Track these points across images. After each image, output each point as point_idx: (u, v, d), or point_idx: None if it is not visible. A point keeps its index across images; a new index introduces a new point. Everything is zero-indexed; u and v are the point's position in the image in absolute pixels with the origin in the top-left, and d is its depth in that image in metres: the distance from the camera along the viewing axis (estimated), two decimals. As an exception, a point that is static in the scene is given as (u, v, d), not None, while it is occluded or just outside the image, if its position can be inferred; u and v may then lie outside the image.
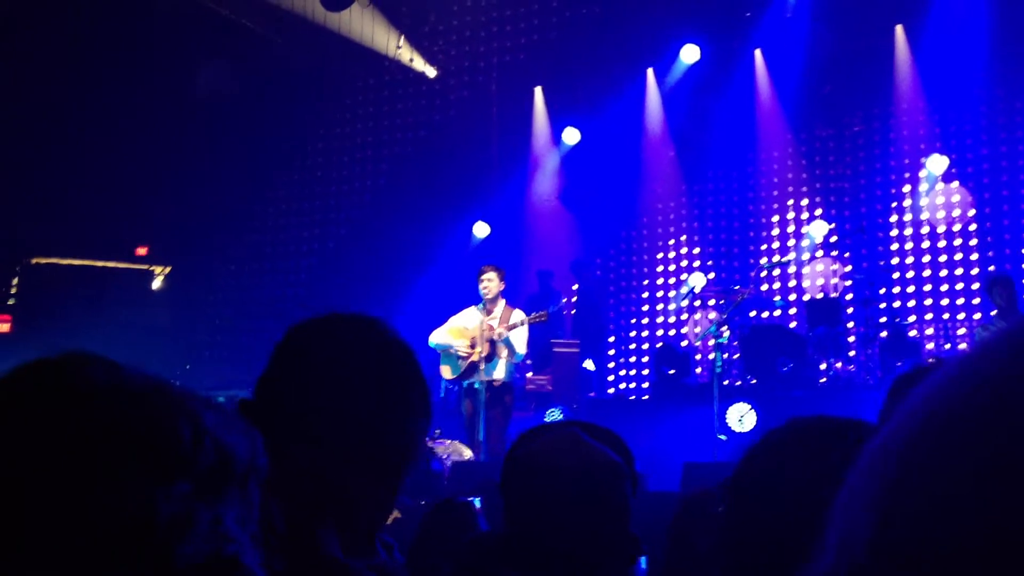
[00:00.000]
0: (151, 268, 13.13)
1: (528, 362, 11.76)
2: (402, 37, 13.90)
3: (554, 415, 10.11)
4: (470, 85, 14.03)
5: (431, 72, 14.22)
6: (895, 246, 12.10)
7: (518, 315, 8.84)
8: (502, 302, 8.91)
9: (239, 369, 11.73)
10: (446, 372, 8.91)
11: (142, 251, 13.07)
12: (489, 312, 8.84)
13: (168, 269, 13.24)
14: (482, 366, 8.71)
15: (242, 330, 13.26)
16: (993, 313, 8.95)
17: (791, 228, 12.81)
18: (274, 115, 13.25)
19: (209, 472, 0.69)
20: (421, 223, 13.63)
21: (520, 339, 8.78)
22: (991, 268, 10.96)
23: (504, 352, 8.74)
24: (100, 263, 12.76)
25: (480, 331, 8.73)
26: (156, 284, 12.93)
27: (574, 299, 12.85)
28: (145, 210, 12.67)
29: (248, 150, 13.23)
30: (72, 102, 11.77)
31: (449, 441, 8.54)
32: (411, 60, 14.02)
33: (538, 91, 14.00)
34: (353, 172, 14.06)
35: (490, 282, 8.84)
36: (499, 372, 8.80)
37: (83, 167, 12.25)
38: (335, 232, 13.89)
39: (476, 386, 8.73)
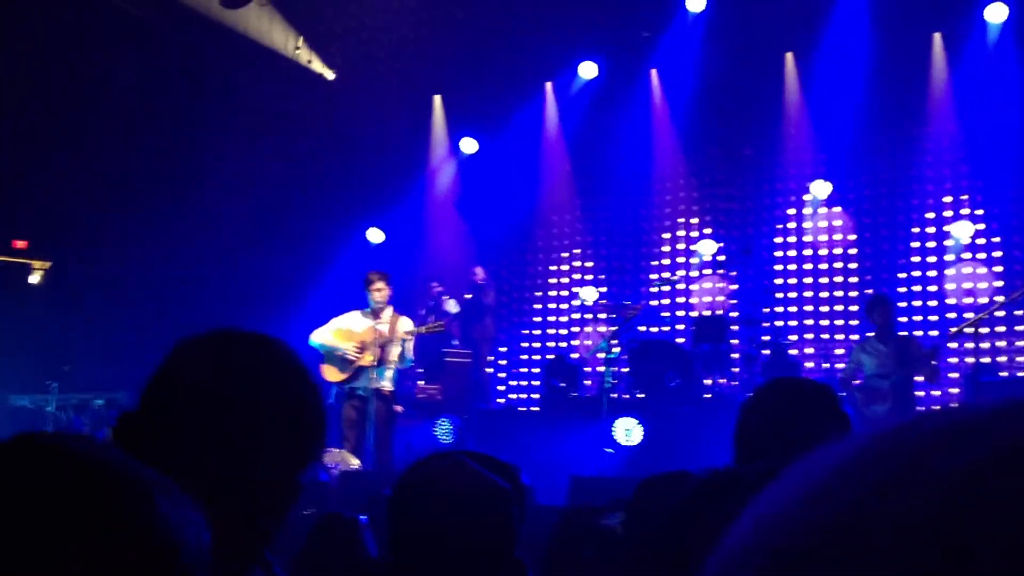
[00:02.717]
0: (30, 262, 12.62)
1: (420, 371, 11.73)
2: (300, 38, 13.72)
3: (444, 425, 10.09)
4: (369, 90, 13.93)
5: (329, 75, 14.07)
6: (779, 267, 12.47)
7: (406, 323, 8.83)
8: (389, 308, 8.90)
9: (118, 371, 11.37)
10: (331, 374, 8.81)
11: (20, 244, 12.56)
12: (377, 317, 8.80)
13: (48, 264, 12.75)
14: (372, 373, 8.65)
15: (123, 331, 12.86)
16: (870, 334, 9.31)
17: (681, 245, 13.07)
18: (166, 111, 12.92)
19: (161, 562, 0.67)
20: (315, 226, 13.47)
21: (410, 346, 8.81)
22: (868, 291, 11.38)
23: (395, 358, 8.72)
24: (-26, 256, 12.23)
25: (372, 336, 8.69)
26: (34, 279, 12.45)
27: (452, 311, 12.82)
28: (26, 203, 12.21)
29: (138, 146, 12.87)
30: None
31: (336, 450, 8.44)
32: (309, 61, 13.85)
33: (437, 99, 14.00)
34: (246, 171, 13.80)
35: (380, 290, 8.82)
36: (387, 380, 8.78)
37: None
38: (224, 234, 13.60)
39: (361, 392, 8.66)
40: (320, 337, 8.85)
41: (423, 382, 11.42)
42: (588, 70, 13.13)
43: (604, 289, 13.03)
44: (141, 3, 12.31)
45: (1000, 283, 11.10)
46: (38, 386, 10.31)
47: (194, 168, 13.89)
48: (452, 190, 13.98)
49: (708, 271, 12.63)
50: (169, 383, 1.52)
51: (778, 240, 12.57)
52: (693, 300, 12.70)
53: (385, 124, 13.89)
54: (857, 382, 8.88)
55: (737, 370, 10.89)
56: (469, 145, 13.72)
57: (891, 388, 8.25)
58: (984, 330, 10.61)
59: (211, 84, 13.26)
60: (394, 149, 14.00)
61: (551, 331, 13.62)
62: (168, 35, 12.78)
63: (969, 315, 9.78)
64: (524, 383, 13.47)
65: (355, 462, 8.31)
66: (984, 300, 10.88)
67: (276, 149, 13.72)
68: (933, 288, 11.65)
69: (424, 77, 13.76)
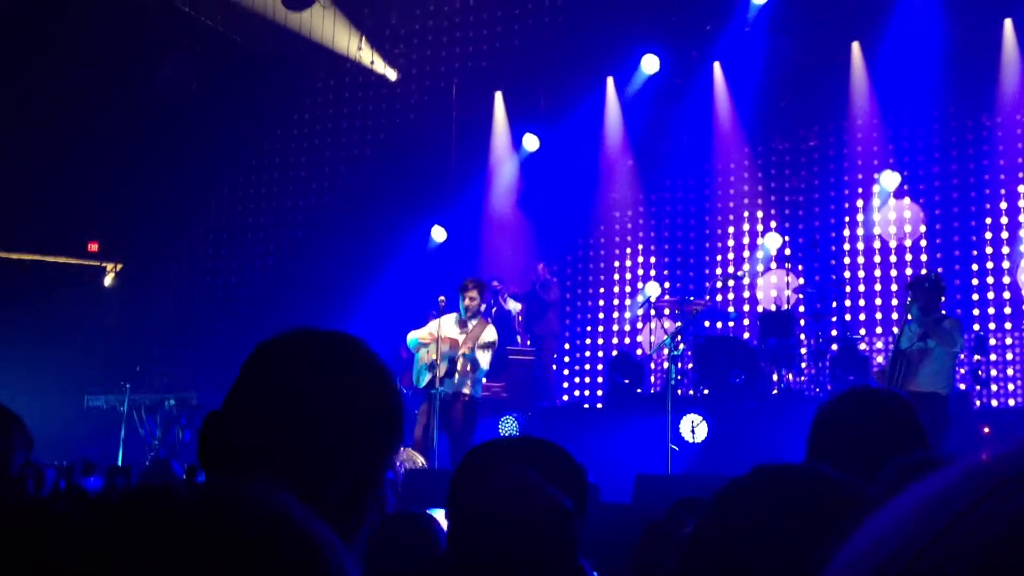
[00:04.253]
0: (102, 264, 12.94)
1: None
2: (363, 38, 13.84)
3: (509, 423, 10.11)
4: (430, 89, 14.00)
5: (392, 75, 14.18)
6: (847, 260, 12.27)
7: (489, 333, 8.89)
8: (479, 317, 8.98)
9: (189, 372, 11.60)
10: (416, 376, 8.97)
11: (94, 247, 12.89)
12: (463, 326, 8.91)
13: (120, 266, 13.06)
14: (453, 377, 8.78)
15: (193, 332, 13.11)
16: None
17: (746, 240, 12.93)
18: (233, 114, 13.13)
19: None
20: (378, 226, 13.58)
21: (485, 357, 8.84)
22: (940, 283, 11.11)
23: (467, 368, 8.80)
24: (50, 258, 12.56)
25: (450, 342, 8.82)
26: (107, 281, 12.75)
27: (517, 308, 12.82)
28: (98, 205, 12.50)
29: (205, 148, 13.09)
30: (26, 94, 11.58)
31: (402, 448, 8.51)
32: (372, 62, 13.97)
33: (498, 96, 14.01)
34: (311, 173, 13.98)
35: (472, 298, 8.91)
36: (467, 385, 8.86)
37: (35, 160, 12.05)
38: (290, 234, 13.79)
39: (437, 393, 8.76)
40: (414, 335, 9.02)
41: (486, 380, 11.47)
42: (650, 64, 13.02)
43: (668, 285, 12.94)
44: (207, 10, 12.52)
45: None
46: (112, 386, 10.55)
47: (263, 172, 14.10)
48: (515, 187, 13.98)
49: (774, 265, 12.47)
50: (254, 384, 1.54)
51: (846, 233, 12.36)
52: (759, 295, 12.55)
53: (447, 122, 13.94)
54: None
55: (805, 365, 10.75)
56: (531, 142, 13.72)
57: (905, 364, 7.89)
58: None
59: (277, 86, 13.44)
60: (456, 147, 14.05)
61: (615, 327, 13.57)
62: (233, 39, 12.98)
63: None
64: (588, 380, 13.44)
65: (420, 460, 8.37)
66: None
67: (341, 149, 13.87)
68: (1007, 280, 11.38)
69: (485, 75, 13.78)
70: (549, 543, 1.87)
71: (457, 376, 8.77)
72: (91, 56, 11.72)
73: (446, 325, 8.93)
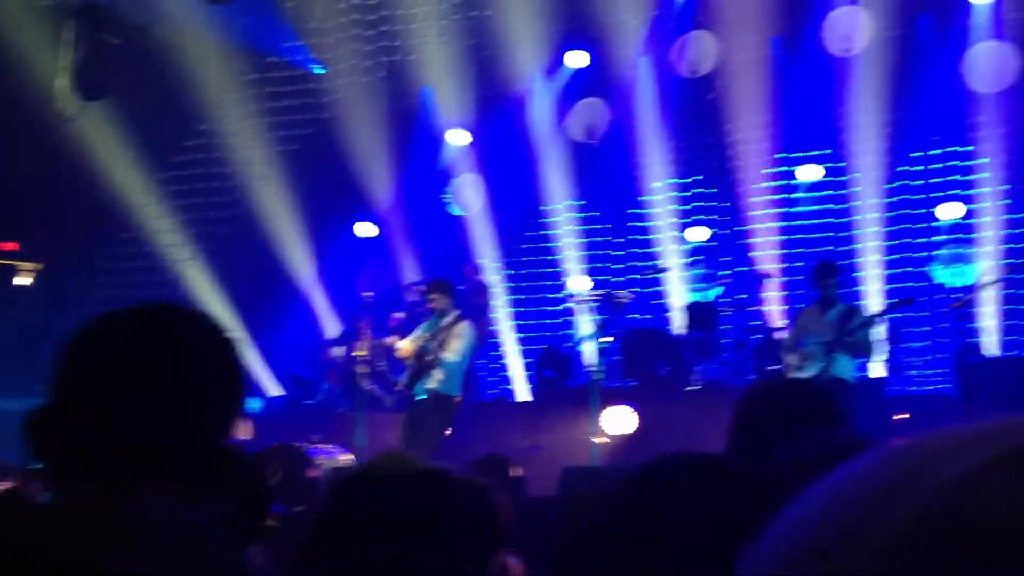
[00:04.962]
0: (20, 264, 12.62)
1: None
2: (289, 33, 13.68)
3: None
4: (358, 83, 13.90)
5: (317, 68, 14.04)
6: (769, 252, 12.47)
7: (460, 330, 8.97)
8: (453, 314, 9.07)
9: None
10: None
11: (10, 246, 12.57)
12: (434, 327, 9.04)
13: (40, 267, 12.75)
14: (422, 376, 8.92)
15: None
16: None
17: (671, 233, 13.06)
18: (153, 111, 12.90)
19: None
20: (305, 223, 13.47)
21: (454, 345, 8.91)
22: (857, 274, 11.37)
23: (430, 358, 8.93)
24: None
25: (419, 342, 9.00)
26: (24, 281, 12.44)
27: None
28: (17, 206, 12.21)
29: (127, 147, 12.85)
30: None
31: (329, 445, 8.44)
32: (297, 55, 13.82)
33: (428, 91, 13.96)
34: (235, 169, 13.79)
35: (433, 300, 9.09)
36: (435, 380, 8.93)
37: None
38: (216, 232, 13.60)
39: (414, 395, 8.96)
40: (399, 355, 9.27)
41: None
42: (578, 59, 13.14)
43: (595, 278, 13.04)
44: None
45: (991, 263, 11.12)
46: (27, 389, 10.29)
47: (185, 169, 13.88)
48: (443, 183, 13.95)
49: (700, 258, 12.63)
50: (78, 368, 1.49)
51: (768, 225, 12.57)
52: (685, 288, 12.70)
53: (375, 116, 13.86)
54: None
55: (728, 356, 10.91)
56: (460, 136, 13.71)
57: (825, 354, 8.14)
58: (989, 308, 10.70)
59: (198, 82, 13.23)
60: (385, 143, 13.98)
61: (543, 321, 13.64)
62: (152, 33, 12.77)
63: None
64: (515, 374, 13.45)
65: (345, 458, 8.30)
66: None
67: (265, 145, 13.71)
68: (925, 269, 11.68)
69: (413, 69, 13.73)
70: (464, 543, 1.84)
71: (424, 376, 8.89)
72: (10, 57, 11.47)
73: (424, 326, 9.12)
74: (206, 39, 12.99)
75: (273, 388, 12.93)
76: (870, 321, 8.39)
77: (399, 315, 12.61)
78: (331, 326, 13.31)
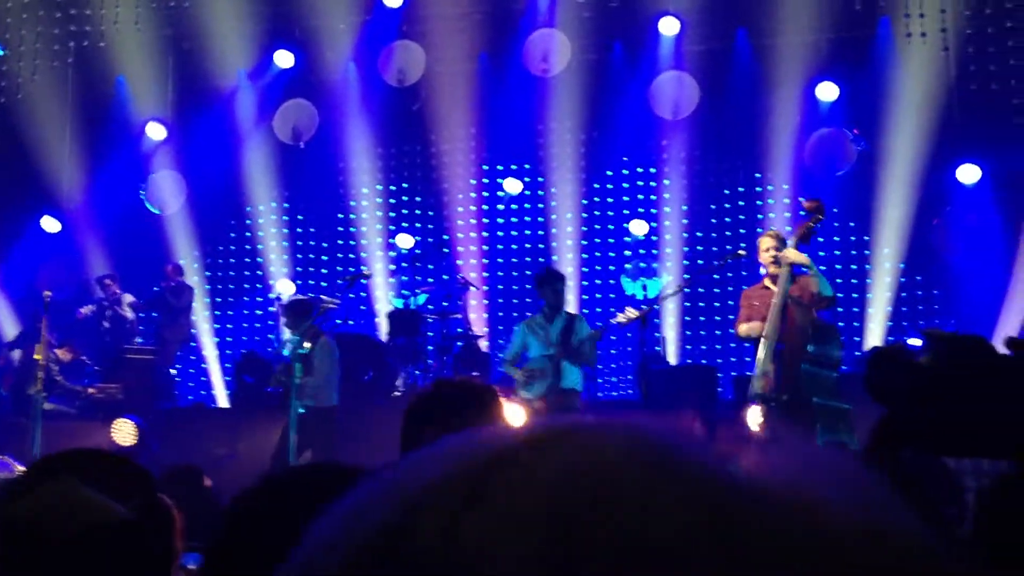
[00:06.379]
0: None
1: (97, 368, 11.10)
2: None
3: (124, 427, 9.53)
4: (44, 68, 12.95)
5: (-3, 52, 12.96)
6: (472, 261, 12.81)
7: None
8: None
9: None
10: None
11: None
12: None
13: None
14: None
15: None
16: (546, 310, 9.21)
17: (379, 240, 13.10)
18: None
19: None
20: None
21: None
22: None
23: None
24: None
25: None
26: None
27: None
28: None
29: None
30: None
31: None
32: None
33: (122, 80, 13.21)
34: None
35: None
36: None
37: None
38: None
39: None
40: None
41: (101, 382, 10.82)
42: (284, 59, 12.92)
43: (299, 283, 12.85)
44: None
45: (671, 277, 11.97)
46: None
47: None
48: (141, 179, 13.24)
49: (405, 264, 12.75)
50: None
51: (472, 235, 12.90)
52: (390, 293, 12.76)
53: (63, 106, 12.99)
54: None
55: (431, 362, 11.07)
56: (157, 131, 13.08)
57: (553, 368, 8.07)
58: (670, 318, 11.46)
59: None
60: (74, 133, 13.11)
61: (244, 325, 13.28)
62: None
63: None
64: (214, 380, 12.99)
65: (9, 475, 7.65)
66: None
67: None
68: (613, 281, 12.41)
69: (106, 58, 12.97)
70: (111, 561, 1.73)
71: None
72: None
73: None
74: None
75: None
76: (599, 333, 8.42)
77: (86, 309, 11.85)
78: (9, 327, 12.36)
